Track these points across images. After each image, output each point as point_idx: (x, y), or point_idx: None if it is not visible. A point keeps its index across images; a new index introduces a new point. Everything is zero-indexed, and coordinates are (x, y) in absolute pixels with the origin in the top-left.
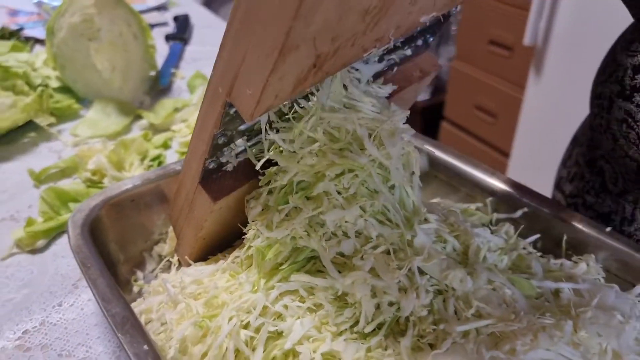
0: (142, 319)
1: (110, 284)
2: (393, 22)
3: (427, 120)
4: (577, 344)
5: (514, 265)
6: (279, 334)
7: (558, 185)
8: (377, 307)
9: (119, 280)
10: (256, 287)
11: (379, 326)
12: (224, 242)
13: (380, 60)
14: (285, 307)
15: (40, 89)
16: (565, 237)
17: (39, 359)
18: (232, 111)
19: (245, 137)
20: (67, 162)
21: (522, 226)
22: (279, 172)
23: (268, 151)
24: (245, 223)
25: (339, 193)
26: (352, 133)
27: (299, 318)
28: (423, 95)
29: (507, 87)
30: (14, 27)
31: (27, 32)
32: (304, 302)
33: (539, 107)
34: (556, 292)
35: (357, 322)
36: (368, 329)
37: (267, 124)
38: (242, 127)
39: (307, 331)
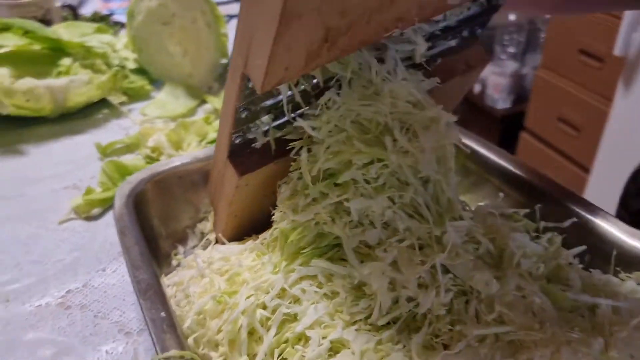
0: (173, 290)
1: (142, 252)
2: (414, 1)
3: (506, 129)
4: None
5: (551, 275)
6: (294, 317)
7: (623, 201)
8: (395, 301)
9: (160, 253)
10: (277, 269)
11: (395, 320)
12: (259, 223)
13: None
14: (303, 291)
15: (115, 69)
16: (615, 253)
17: (77, 317)
18: (250, 84)
19: (271, 115)
20: (132, 139)
21: (565, 236)
22: (309, 158)
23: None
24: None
25: (367, 182)
26: (384, 125)
27: (314, 303)
28: (503, 103)
29: (593, 99)
30: (105, 12)
31: (116, 17)
32: (321, 288)
33: (625, 122)
34: (593, 308)
35: (372, 314)
36: (382, 322)
37: (290, 106)
38: (266, 104)
39: (320, 317)
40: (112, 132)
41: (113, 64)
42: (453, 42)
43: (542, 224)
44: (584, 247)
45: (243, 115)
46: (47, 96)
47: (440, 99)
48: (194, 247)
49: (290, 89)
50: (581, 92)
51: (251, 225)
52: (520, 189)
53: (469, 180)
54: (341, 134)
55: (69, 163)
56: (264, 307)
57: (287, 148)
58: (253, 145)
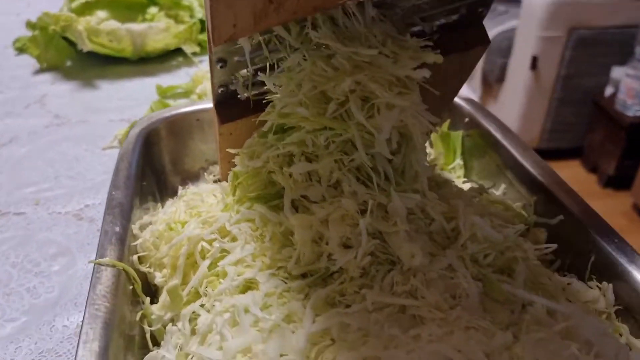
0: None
1: (130, 177)
2: None
3: (634, 139)
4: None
5: (503, 265)
6: (228, 253)
7: None
8: (319, 256)
9: (167, 186)
10: (225, 208)
11: (312, 273)
12: None
13: (421, 22)
14: (240, 230)
15: (194, 21)
16: (592, 259)
17: (83, 227)
18: None
19: (251, 70)
20: (188, 86)
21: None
22: (269, 109)
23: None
24: None
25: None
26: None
27: (246, 243)
28: (635, 110)
29: None
30: None
31: None
32: (256, 231)
33: None
34: (529, 305)
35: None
36: (296, 272)
37: (251, 60)
38: (241, 58)
39: (245, 256)
40: (179, 78)
41: (196, 17)
42: (451, 19)
43: (534, 218)
44: (554, 246)
45: (219, 66)
46: (128, 39)
47: (437, 76)
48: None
49: (259, 45)
50: None
51: None
52: (528, 184)
53: (486, 169)
54: (296, 97)
55: (132, 100)
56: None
57: (265, 102)
58: (238, 96)
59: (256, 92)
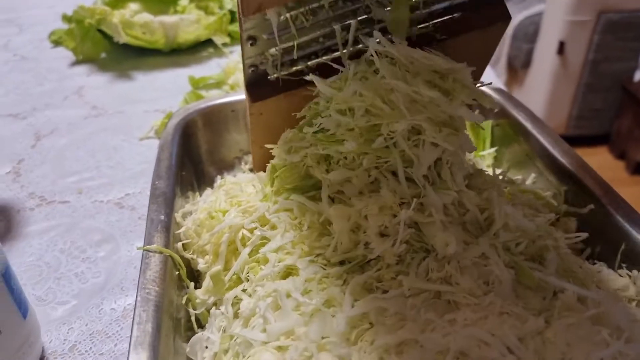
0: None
1: (171, 167)
2: None
3: None
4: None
5: (535, 254)
6: (269, 241)
7: None
8: (357, 244)
9: (204, 176)
10: (265, 198)
11: (350, 261)
12: None
13: (441, 1)
14: (279, 219)
15: (223, 12)
16: (622, 247)
17: (125, 215)
18: None
19: (280, 49)
20: (220, 76)
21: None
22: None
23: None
24: None
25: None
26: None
27: (286, 232)
28: None
29: None
30: None
31: None
32: (294, 220)
33: None
34: (560, 292)
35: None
36: (334, 259)
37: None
38: (269, 36)
39: (284, 244)
40: (210, 69)
41: (225, 8)
42: None
43: (564, 207)
44: (585, 235)
45: (249, 44)
46: (160, 31)
47: (459, 56)
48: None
49: (287, 23)
50: None
51: None
52: (557, 173)
53: (515, 157)
54: (345, 117)
55: (165, 91)
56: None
57: (298, 81)
58: (269, 77)
59: (286, 72)
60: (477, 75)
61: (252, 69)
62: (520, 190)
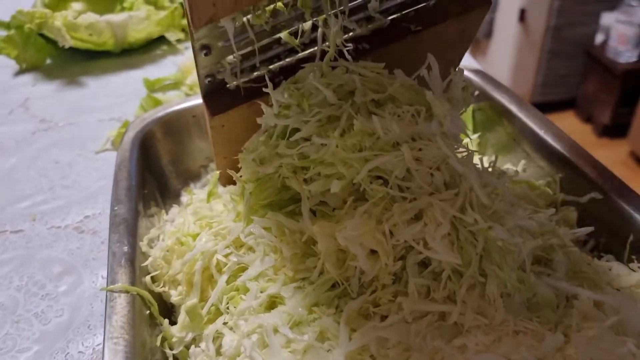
0: (167, 227)
1: (130, 188)
2: None
3: (628, 86)
4: None
5: (539, 255)
6: (247, 267)
7: None
8: (344, 261)
9: (169, 190)
10: (238, 218)
11: (340, 283)
12: None
13: None
14: (257, 242)
15: (175, 5)
16: (631, 238)
17: (86, 241)
18: None
19: (238, 57)
20: (177, 77)
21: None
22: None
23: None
24: None
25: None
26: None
27: (264, 255)
28: (628, 57)
29: None
30: None
31: None
32: (274, 241)
33: None
34: (572, 298)
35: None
36: (321, 284)
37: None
38: (226, 43)
39: (265, 270)
40: (165, 68)
41: (175, 1)
42: None
43: (562, 196)
44: (590, 229)
45: (202, 54)
46: (108, 31)
47: (436, 46)
48: (204, 185)
49: (245, 29)
50: None
51: None
52: (549, 159)
53: (499, 141)
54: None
55: (119, 96)
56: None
57: (261, 88)
58: (227, 86)
59: (246, 79)
60: (455, 62)
61: (209, 79)
62: (513, 181)
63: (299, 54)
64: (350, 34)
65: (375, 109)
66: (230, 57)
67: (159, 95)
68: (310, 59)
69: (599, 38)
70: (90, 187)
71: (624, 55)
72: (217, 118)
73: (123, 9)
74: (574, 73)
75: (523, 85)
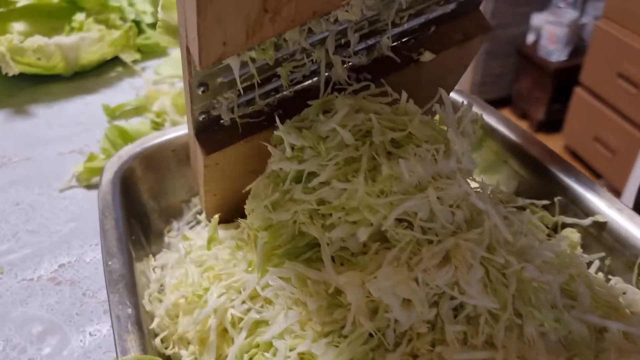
0: (157, 274)
1: (121, 237)
2: None
3: (559, 84)
4: None
5: (562, 287)
6: (267, 320)
7: None
8: (375, 311)
9: (151, 230)
10: (251, 268)
11: (371, 334)
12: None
13: (415, 16)
14: (276, 294)
15: (128, 24)
16: (639, 261)
17: (66, 294)
18: None
19: (235, 91)
20: (140, 102)
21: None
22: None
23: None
24: None
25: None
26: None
27: (286, 309)
28: (558, 56)
29: None
30: None
31: None
32: (295, 292)
33: None
34: (602, 330)
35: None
36: (354, 337)
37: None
38: (224, 79)
39: (291, 325)
40: (123, 92)
41: (128, 19)
42: (448, 8)
43: (561, 218)
44: (601, 254)
45: (200, 91)
46: (58, 54)
47: (435, 73)
48: (188, 222)
49: (246, 63)
50: None
51: (237, 204)
52: (540, 175)
53: (486, 160)
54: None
55: (77, 125)
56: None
57: (260, 123)
58: (222, 122)
59: (242, 113)
60: (451, 87)
61: (203, 116)
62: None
63: (297, 86)
64: (350, 64)
65: (393, 148)
66: (228, 93)
67: (122, 123)
68: (309, 90)
69: (530, 38)
70: (59, 230)
71: (555, 54)
72: (212, 157)
73: (72, 30)
74: (509, 72)
75: (463, 84)
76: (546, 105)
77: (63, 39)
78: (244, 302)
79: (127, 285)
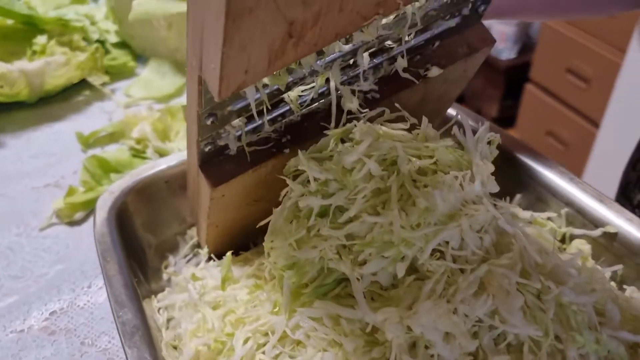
0: (165, 316)
1: (127, 283)
2: None
3: (511, 81)
4: None
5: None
6: None
7: (625, 192)
8: (413, 346)
9: (148, 267)
10: (277, 309)
11: None
12: (247, 232)
13: (422, 32)
14: (307, 336)
15: (94, 46)
16: None
17: (62, 344)
18: None
19: (243, 119)
20: (115, 127)
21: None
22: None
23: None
24: (268, 213)
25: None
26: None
27: (321, 351)
28: (508, 53)
29: (605, 49)
30: None
31: None
32: (328, 333)
33: (639, 74)
34: (634, 346)
35: None
36: None
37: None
38: (235, 107)
39: None
40: (94, 117)
41: (92, 39)
42: (453, 22)
43: (570, 230)
44: (619, 266)
45: (209, 122)
46: (22, 80)
47: (440, 87)
48: (185, 256)
49: (257, 89)
50: (591, 42)
51: (238, 234)
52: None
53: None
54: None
55: (50, 155)
56: (264, 352)
57: (268, 150)
58: (227, 152)
59: (248, 141)
60: (453, 99)
61: (210, 147)
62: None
63: (303, 110)
64: (359, 89)
65: (418, 175)
66: (236, 121)
67: (99, 152)
68: (315, 113)
69: None
70: (46, 273)
71: (505, 52)
72: (219, 189)
73: (34, 53)
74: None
75: None
76: (499, 102)
77: (27, 65)
78: (274, 346)
79: (144, 337)
